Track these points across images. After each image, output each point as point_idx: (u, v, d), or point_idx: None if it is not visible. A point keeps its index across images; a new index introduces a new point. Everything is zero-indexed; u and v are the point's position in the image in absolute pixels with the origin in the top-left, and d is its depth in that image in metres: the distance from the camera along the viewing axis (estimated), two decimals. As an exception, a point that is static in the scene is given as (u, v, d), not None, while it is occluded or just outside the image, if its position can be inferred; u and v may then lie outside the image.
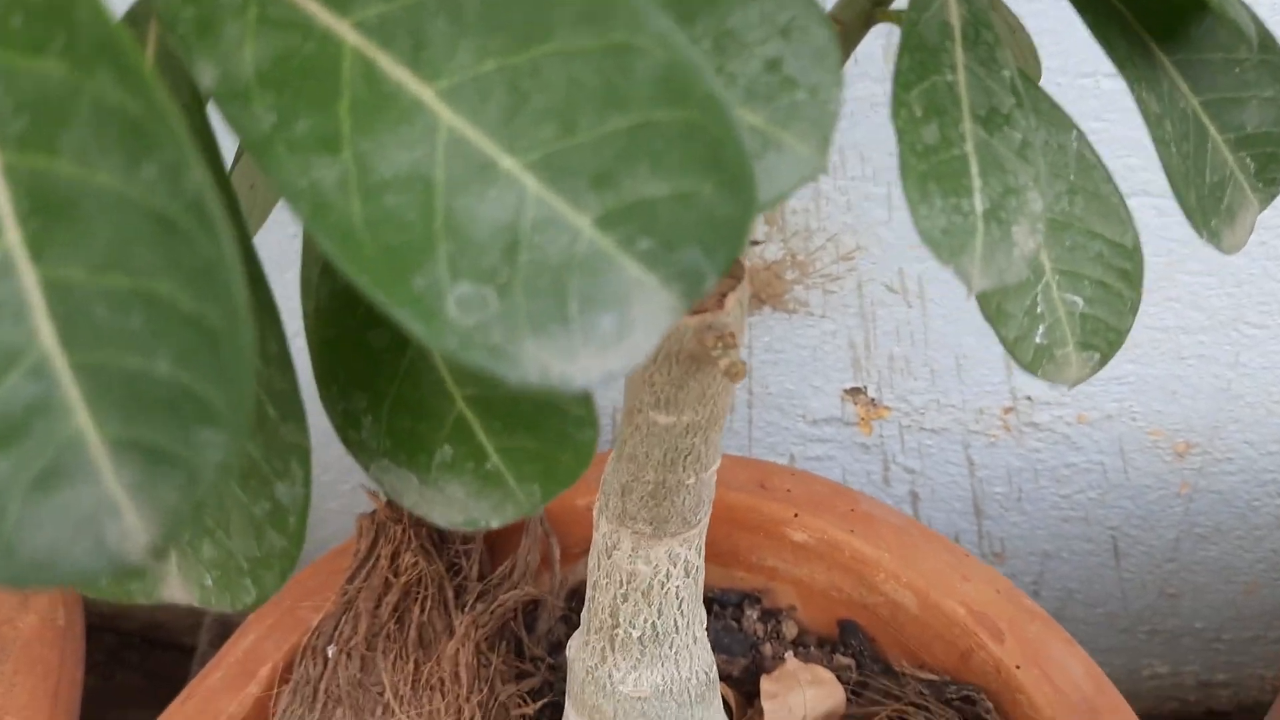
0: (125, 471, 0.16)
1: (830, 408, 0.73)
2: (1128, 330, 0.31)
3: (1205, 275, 0.64)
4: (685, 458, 0.35)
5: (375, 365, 0.26)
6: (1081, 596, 0.81)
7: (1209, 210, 0.31)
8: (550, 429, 0.24)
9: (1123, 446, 0.72)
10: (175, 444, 0.16)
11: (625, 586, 0.40)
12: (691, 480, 0.36)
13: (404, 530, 0.51)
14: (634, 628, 0.41)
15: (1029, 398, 0.71)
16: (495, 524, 0.25)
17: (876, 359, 0.70)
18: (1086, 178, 0.31)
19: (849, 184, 0.63)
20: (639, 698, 0.42)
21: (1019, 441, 0.73)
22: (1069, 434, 0.72)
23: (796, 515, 0.56)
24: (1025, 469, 0.74)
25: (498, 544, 0.57)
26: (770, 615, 0.58)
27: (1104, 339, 0.31)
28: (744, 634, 0.56)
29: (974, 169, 0.25)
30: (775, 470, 0.59)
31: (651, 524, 0.38)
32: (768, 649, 0.56)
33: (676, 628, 0.41)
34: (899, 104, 0.25)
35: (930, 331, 0.68)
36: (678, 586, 0.40)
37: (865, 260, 0.66)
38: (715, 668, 0.44)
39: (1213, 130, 0.32)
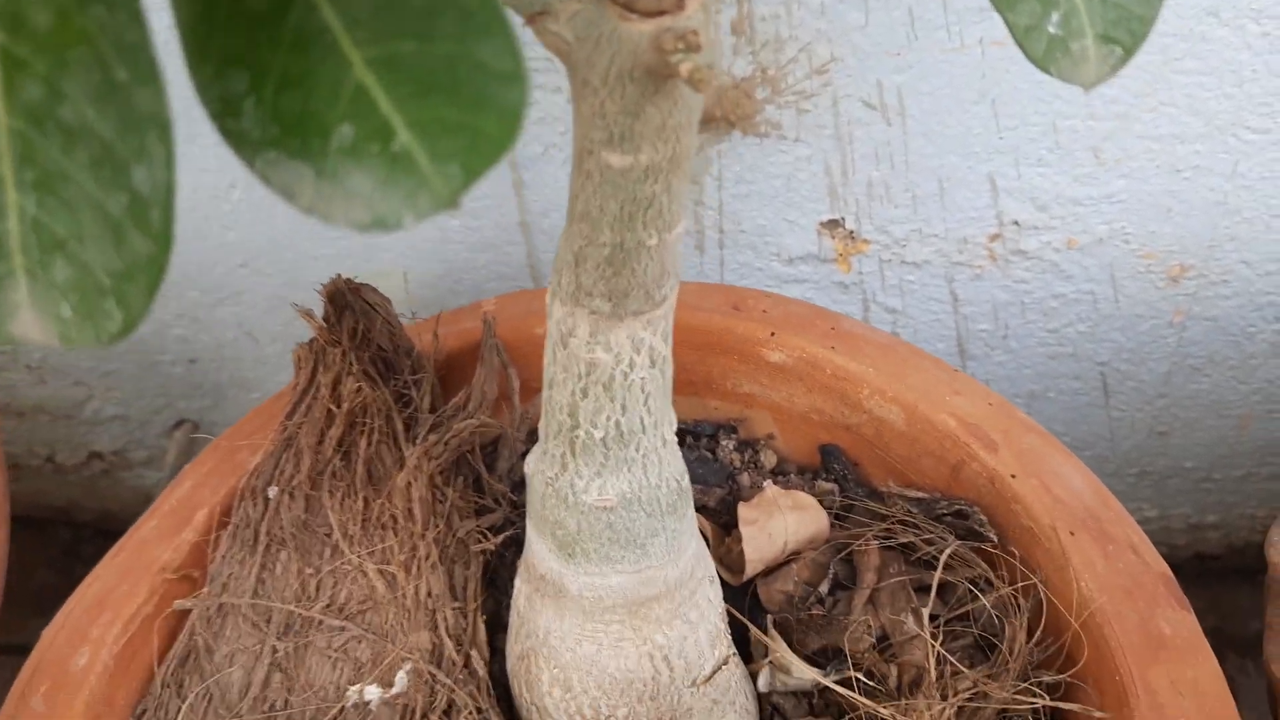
0: None
1: (806, 244, 0.69)
2: (1154, 18, 0.27)
3: (1202, 75, 0.59)
4: (645, 211, 0.31)
5: (254, 34, 0.21)
6: (1069, 439, 0.78)
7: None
8: (469, 90, 0.20)
9: (1114, 273, 0.68)
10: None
11: (584, 380, 0.36)
12: (654, 241, 0.32)
13: (344, 354, 0.47)
14: (596, 428, 0.37)
15: (1016, 223, 0.66)
16: (409, 221, 0.21)
17: (854, 186, 0.66)
18: None
19: (822, -17, 0.57)
20: (604, 508, 0.38)
21: (1005, 272, 0.69)
22: (1057, 261, 0.68)
23: (773, 334, 0.52)
24: (1012, 302, 0.71)
25: (450, 377, 0.53)
26: (747, 445, 0.54)
27: (1126, 30, 0.27)
28: (719, 464, 0.53)
29: None
30: (750, 293, 0.55)
31: (610, 299, 0.34)
32: (745, 479, 0.52)
33: (643, 426, 0.37)
34: None
35: (911, 152, 0.64)
36: (643, 379, 0.36)
37: (841, 73, 0.61)
38: (687, 476, 0.40)
39: None
